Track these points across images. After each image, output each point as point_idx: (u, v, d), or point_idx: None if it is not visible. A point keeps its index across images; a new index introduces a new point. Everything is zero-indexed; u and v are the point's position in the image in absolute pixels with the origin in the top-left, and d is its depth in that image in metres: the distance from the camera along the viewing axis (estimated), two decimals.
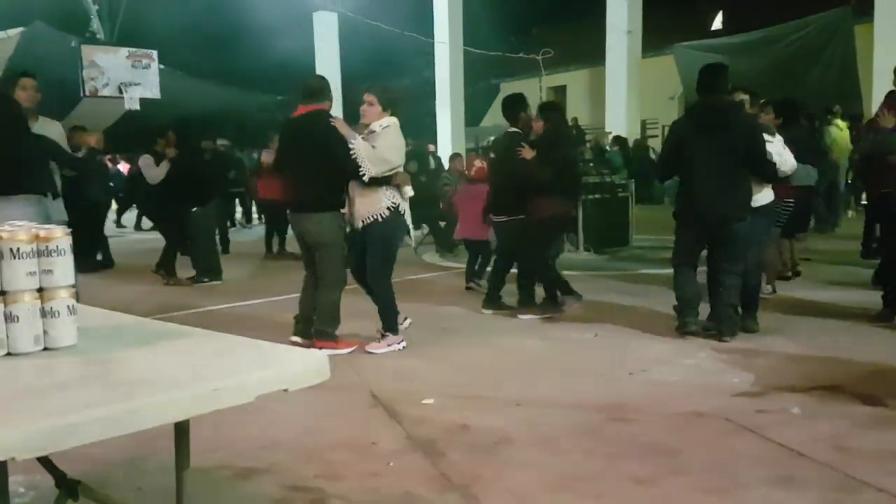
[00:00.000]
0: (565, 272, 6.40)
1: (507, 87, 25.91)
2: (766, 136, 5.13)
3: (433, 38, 18.93)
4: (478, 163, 7.77)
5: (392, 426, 3.69)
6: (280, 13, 18.12)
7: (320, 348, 4.69)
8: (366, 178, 4.72)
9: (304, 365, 1.57)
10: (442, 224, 10.23)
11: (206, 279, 8.03)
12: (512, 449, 3.36)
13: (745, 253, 5.03)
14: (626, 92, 16.72)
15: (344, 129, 4.81)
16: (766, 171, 5.03)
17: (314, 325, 5.03)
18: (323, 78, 5.26)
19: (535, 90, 15.09)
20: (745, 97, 5.30)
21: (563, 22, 24.20)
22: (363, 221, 4.86)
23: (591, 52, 19.37)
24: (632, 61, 16.86)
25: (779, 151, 5.16)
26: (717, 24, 22.17)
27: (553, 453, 3.31)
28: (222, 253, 10.63)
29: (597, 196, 9.75)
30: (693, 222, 5.10)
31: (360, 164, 4.68)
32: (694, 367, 4.56)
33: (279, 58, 18.06)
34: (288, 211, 5.17)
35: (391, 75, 23.47)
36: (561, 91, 26.05)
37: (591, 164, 11.54)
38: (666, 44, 17.46)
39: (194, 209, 7.83)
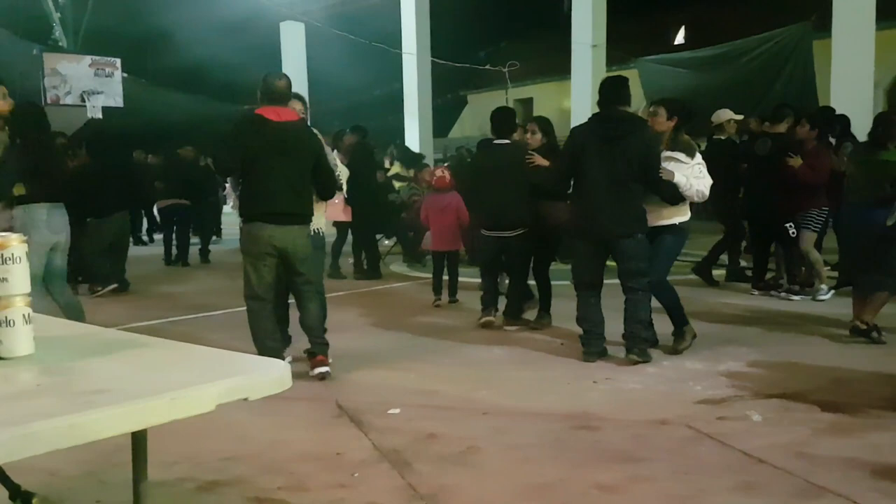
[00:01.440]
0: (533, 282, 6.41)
1: (475, 99, 26.14)
2: (681, 157, 4.88)
3: (401, 50, 18.97)
4: (439, 172, 7.66)
5: (358, 437, 3.66)
6: (247, 23, 18.03)
7: (324, 363, 4.64)
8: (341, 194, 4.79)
9: (265, 374, 1.56)
10: (410, 234, 10.24)
11: (100, 289, 8.09)
12: (479, 458, 3.36)
13: (643, 269, 4.83)
14: (591, 105, 16.88)
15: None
16: (661, 190, 4.80)
17: (317, 341, 4.70)
18: (286, 75, 4.83)
19: (501, 102, 15.17)
20: (661, 110, 5.04)
21: (531, 36, 24.46)
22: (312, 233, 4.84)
23: (557, 65, 19.56)
24: (597, 75, 17.02)
25: (692, 174, 4.86)
26: (680, 38, 22.56)
27: (520, 462, 3.31)
28: (202, 262, 10.71)
29: None
30: (584, 237, 4.93)
31: (340, 177, 4.77)
32: (657, 376, 4.61)
33: (246, 67, 17.94)
34: (260, 223, 4.51)
35: (358, 86, 23.48)
36: (528, 103, 26.28)
37: None
38: (630, 58, 17.72)
39: (89, 220, 7.85)
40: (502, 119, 6.14)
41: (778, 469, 3.14)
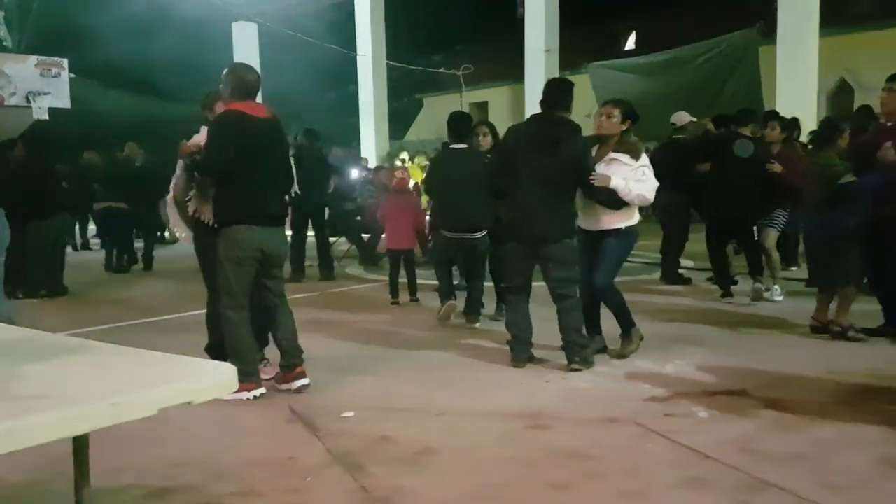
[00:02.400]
0: (490, 283, 6.46)
1: (430, 102, 26.20)
2: (625, 160, 4.79)
3: (356, 52, 18.91)
4: (398, 174, 7.78)
5: (311, 441, 3.64)
6: (198, 23, 17.76)
7: (304, 375, 4.38)
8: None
9: (210, 377, 1.54)
10: (365, 237, 10.22)
11: (42, 293, 7.96)
12: (433, 459, 3.37)
13: (573, 276, 4.80)
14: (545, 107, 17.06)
15: None
16: (597, 194, 4.76)
17: (290, 357, 4.41)
18: (254, 68, 4.56)
19: (456, 105, 15.26)
20: (616, 111, 4.90)
21: (486, 40, 24.64)
22: None
23: (512, 69, 19.72)
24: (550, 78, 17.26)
25: (633, 177, 4.77)
26: (630, 44, 22.96)
27: (473, 462, 3.33)
28: (144, 269, 10.48)
29: None
30: (515, 239, 4.85)
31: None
32: (607, 375, 4.68)
33: (198, 68, 17.67)
34: (248, 226, 4.21)
35: (314, 87, 23.32)
36: (483, 107, 26.43)
37: None
38: (582, 63, 17.96)
39: (31, 222, 7.69)
40: (458, 123, 6.23)
41: (724, 464, 3.22)
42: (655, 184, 4.87)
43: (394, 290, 7.27)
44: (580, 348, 4.79)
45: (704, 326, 5.96)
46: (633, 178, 4.76)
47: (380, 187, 10.31)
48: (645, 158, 4.89)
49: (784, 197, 6.75)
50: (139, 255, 10.69)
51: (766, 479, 3.06)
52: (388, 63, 19.17)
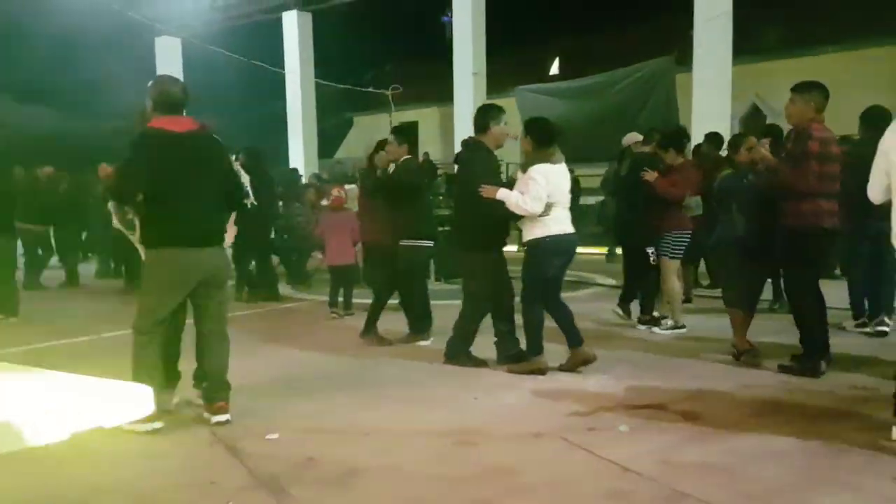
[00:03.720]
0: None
1: (360, 121, 26.18)
2: (536, 175, 4.94)
3: (283, 69, 18.77)
4: (335, 192, 7.82)
5: (233, 464, 3.55)
6: (120, 38, 17.32)
7: (226, 409, 4.16)
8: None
9: (124, 400, 1.50)
10: (294, 257, 10.11)
11: None
12: (360, 479, 3.34)
13: (472, 285, 5.36)
14: (472, 130, 17.32)
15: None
16: (493, 207, 4.98)
17: (213, 391, 4.18)
18: (180, 80, 4.35)
19: (386, 125, 15.31)
20: (528, 137, 5.13)
21: (416, 60, 24.85)
22: None
23: (441, 90, 19.93)
24: (478, 101, 17.50)
25: (526, 190, 4.95)
26: (555, 69, 23.56)
27: (400, 481, 3.33)
28: (69, 286, 10.13)
29: (448, 228, 9.96)
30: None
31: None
32: (534, 391, 4.75)
33: (119, 84, 17.20)
34: (180, 248, 4.01)
35: (240, 104, 22.97)
36: (413, 127, 26.56)
37: (442, 198, 11.82)
38: (509, 86, 18.32)
39: None
40: (399, 134, 6.51)
41: (643, 476, 3.31)
42: (534, 195, 4.90)
43: (333, 303, 7.51)
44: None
45: (627, 342, 6.13)
46: (529, 191, 4.96)
47: (308, 206, 10.22)
48: (533, 170, 4.97)
49: (670, 216, 6.39)
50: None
51: (684, 490, 3.16)
52: (316, 81, 19.09)
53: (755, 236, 5.14)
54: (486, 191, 4.99)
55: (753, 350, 5.31)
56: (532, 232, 5.04)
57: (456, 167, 5.59)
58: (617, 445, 3.69)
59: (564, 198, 5.12)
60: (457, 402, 4.56)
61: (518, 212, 4.97)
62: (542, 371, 5.09)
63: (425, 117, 25.76)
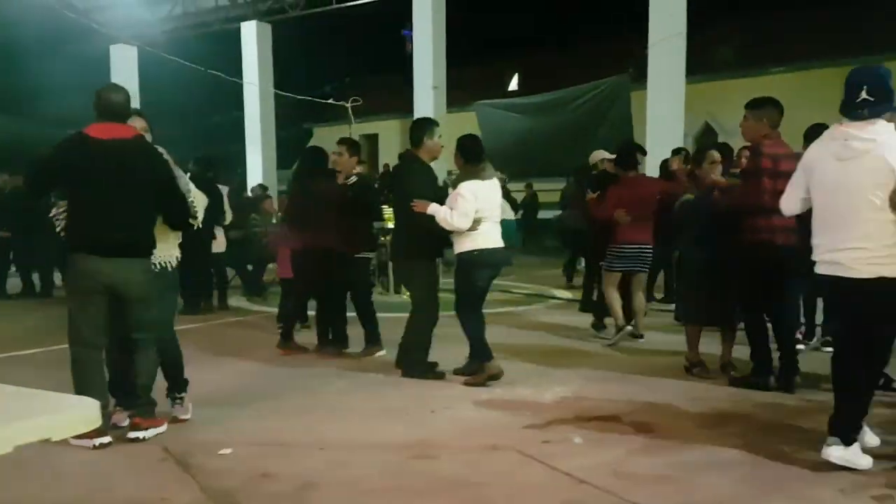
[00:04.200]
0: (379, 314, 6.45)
1: (320, 132, 26.06)
2: (464, 192, 5.10)
3: (242, 79, 18.62)
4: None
5: (185, 480, 3.49)
6: (75, 45, 16.98)
7: (147, 428, 4.04)
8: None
9: (71, 413, 1.47)
10: (249, 268, 9.99)
11: None
12: (314, 494, 3.32)
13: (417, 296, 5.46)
14: None
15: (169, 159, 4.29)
16: (421, 219, 5.17)
17: (138, 401, 4.09)
18: (124, 88, 4.21)
19: (346, 136, 15.29)
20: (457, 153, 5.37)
21: (377, 73, 24.90)
22: (155, 268, 4.30)
23: (401, 103, 20.00)
24: (438, 114, 17.63)
25: (455, 206, 5.15)
26: (514, 84, 23.85)
27: (356, 496, 3.31)
28: (43, 295, 9.98)
29: None
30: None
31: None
32: (490, 404, 4.77)
33: (73, 92, 16.85)
34: (85, 254, 3.94)
35: (198, 113, 22.69)
36: (373, 139, 26.59)
37: None
38: (469, 100, 18.47)
39: None
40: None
41: (597, 488, 3.35)
42: (461, 211, 5.03)
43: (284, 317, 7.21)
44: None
45: (583, 356, 6.19)
46: (458, 206, 5.11)
47: (266, 216, 10.13)
48: (461, 187, 5.13)
49: (607, 232, 6.59)
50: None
51: (636, 500, 3.21)
52: (275, 92, 18.98)
53: (713, 253, 5.22)
54: (417, 205, 5.14)
55: (704, 364, 5.42)
56: (461, 245, 5.19)
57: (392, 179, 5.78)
58: (572, 457, 3.73)
59: (494, 213, 5.25)
60: (413, 415, 4.55)
61: (446, 227, 5.10)
62: (496, 376, 5.15)
63: (386, 129, 25.81)
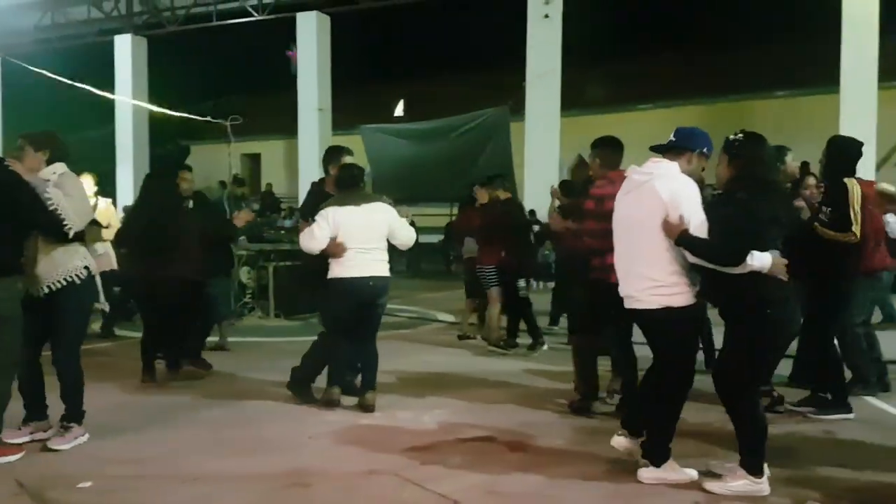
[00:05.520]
0: (254, 338, 6.33)
1: (198, 150, 25.25)
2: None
3: (114, 94, 17.84)
4: None
5: None
6: None
7: None
8: (71, 234, 4.13)
9: None
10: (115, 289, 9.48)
11: None
12: None
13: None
14: (317, 165, 17.33)
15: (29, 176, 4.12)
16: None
17: None
18: None
19: (225, 154, 14.89)
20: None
21: (261, 92, 24.46)
22: (51, 286, 4.16)
23: (286, 123, 19.77)
24: (323, 137, 17.62)
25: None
26: (399, 111, 24.13)
27: None
28: None
29: (289, 263, 9.81)
30: None
31: (63, 217, 4.09)
32: (368, 428, 4.76)
33: None
34: None
35: (67, 128, 21.41)
36: (255, 159, 26.06)
37: (284, 232, 11.67)
38: (355, 124, 18.52)
39: None
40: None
41: None
42: (307, 234, 5.12)
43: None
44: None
45: (463, 378, 6.28)
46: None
47: None
48: (320, 212, 5.10)
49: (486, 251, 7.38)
50: None
51: None
52: (150, 108, 18.31)
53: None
54: (302, 227, 5.36)
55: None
56: (330, 271, 5.15)
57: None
58: (448, 479, 3.79)
59: (357, 241, 5.04)
60: (290, 442, 4.47)
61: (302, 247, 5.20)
62: (329, 403, 5.11)
63: (269, 149, 25.36)
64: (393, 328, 9.03)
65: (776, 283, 3.49)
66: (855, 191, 4.91)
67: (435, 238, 16.51)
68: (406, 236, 5.31)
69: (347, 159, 5.45)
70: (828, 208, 4.96)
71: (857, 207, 4.88)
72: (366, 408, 5.08)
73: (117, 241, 6.88)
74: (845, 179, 4.98)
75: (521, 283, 7.58)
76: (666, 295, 3.66)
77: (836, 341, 5.24)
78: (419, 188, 16.63)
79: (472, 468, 3.98)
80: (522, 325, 7.57)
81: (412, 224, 5.52)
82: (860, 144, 5.32)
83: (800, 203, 5.09)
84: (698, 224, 3.56)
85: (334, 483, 3.76)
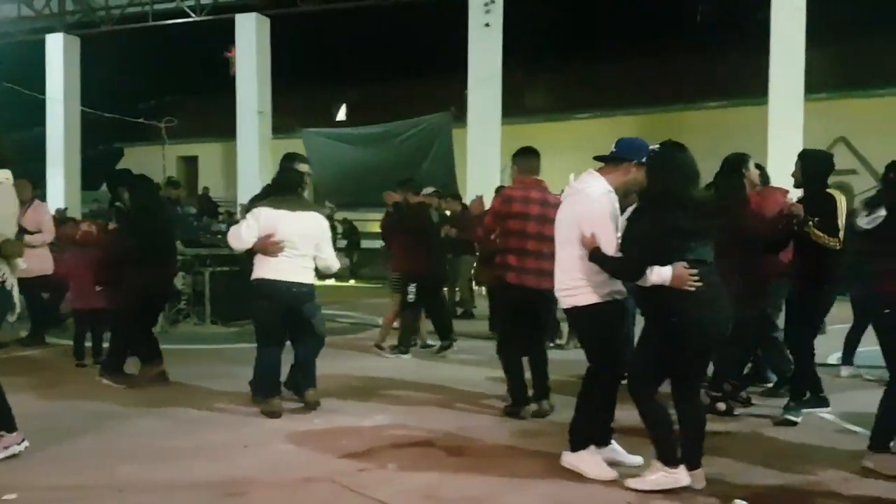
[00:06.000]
0: (189, 346, 6.21)
1: (132, 152, 24.62)
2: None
3: (44, 94, 17.27)
4: (84, 226, 7.23)
5: None
6: None
7: None
8: None
9: None
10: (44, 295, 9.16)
11: None
12: None
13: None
14: (258, 168, 17.15)
15: None
16: None
17: None
18: None
19: (159, 156, 14.60)
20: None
21: (198, 94, 23.98)
22: None
23: (224, 126, 19.44)
24: (263, 140, 17.42)
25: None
26: (342, 115, 24.02)
27: None
28: None
29: (226, 268, 9.64)
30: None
31: None
32: (308, 435, 4.73)
33: None
34: None
35: None
36: (192, 161, 25.54)
37: (221, 237, 11.46)
38: (296, 127, 18.33)
39: None
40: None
41: None
42: (234, 232, 5.21)
43: (79, 352, 6.78)
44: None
45: (403, 384, 6.28)
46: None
47: (65, 241, 9.37)
48: (250, 211, 5.22)
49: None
50: None
51: None
52: (82, 109, 17.78)
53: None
54: None
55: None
56: (254, 271, 5.15)
57: None
58: (386, 485, 3.79)
59: (293, 246, 5.03)
60: (226, 450, 4.40)
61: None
62: (272, 415, 5.05)
63: (207, 152, 24.90)
64: (334, 334, 8.96)
65: (679, 295, 3.57)
66: (841, 203, 5.02)
67: (377, 243, 16.46)
68: (330, 259, 5.30)
69: (302, 167, 5.35)
70: (815, 217, 4.98)
71: (844, 219, 4.96)
72: (311, 405, 5.13)
73: (124, 253, 6.27)
74: (829, 191, 5.05)
75: (411, 287, 7.36)
76: (572, 296, 3.98)
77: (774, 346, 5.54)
78: (362, 193, 16.54)
79: (410, 473, 4.00)
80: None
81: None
82: (832, 156, 5.42)
83: (797, 209, 5.15)
84: (606, 241, 3.78)
85: (271, 491, 3.73)
